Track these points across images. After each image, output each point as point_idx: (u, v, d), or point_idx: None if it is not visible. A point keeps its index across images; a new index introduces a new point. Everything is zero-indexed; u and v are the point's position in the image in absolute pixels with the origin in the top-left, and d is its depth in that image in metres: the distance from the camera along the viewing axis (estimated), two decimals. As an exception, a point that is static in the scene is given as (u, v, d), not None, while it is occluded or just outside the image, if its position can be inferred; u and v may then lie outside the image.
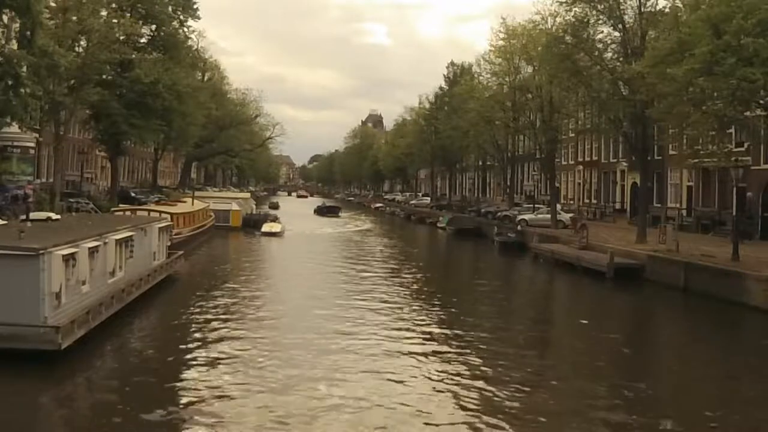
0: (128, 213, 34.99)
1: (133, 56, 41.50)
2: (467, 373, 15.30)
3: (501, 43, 53.73)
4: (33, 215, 23.20)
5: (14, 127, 33.53)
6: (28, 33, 26.12)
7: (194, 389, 13.64)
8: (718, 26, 24.55)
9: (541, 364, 16.97)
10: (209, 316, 20.52)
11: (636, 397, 14.13)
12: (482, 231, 53.14)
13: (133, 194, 50.57)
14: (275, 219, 55.20)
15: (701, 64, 24.58)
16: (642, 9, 34.47)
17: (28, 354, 14.01)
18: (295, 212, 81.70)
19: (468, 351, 17.33)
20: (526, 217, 48.90)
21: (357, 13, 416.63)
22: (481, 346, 17.93)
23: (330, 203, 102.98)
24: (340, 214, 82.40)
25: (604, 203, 56.37)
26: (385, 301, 24.25)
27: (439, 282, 32.38)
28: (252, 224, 53.18)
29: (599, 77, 35.37)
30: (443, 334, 19.45)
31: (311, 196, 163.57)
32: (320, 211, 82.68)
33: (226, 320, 20.02)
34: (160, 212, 34.98)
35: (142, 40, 46.18)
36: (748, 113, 27.53)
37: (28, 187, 35.42)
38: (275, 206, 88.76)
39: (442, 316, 22.16)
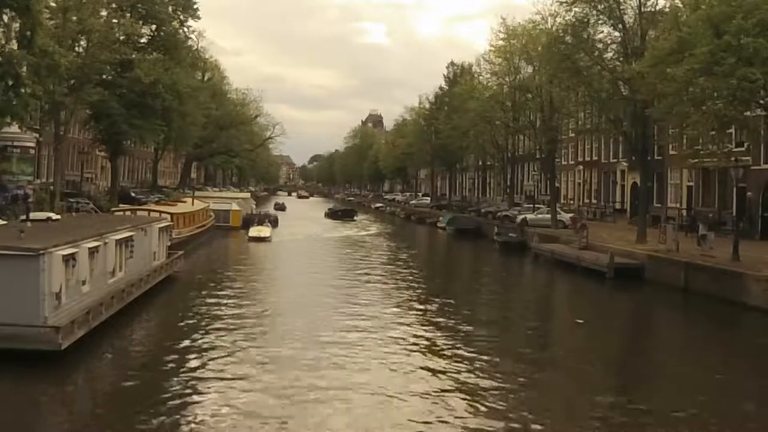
0: (128, 213, 34.97)
1: (133, 56, 41.44)
2: (465, 371, 15.31)
3: (501, 43, 53.75)
4: (33, 215, 23.22)
5: (14, 127, 33.50)
6: (28, 33, 26.09)
7: (194, 389, 13.64)
8: (718, 26, 24.55)
9: (539, 365, 16.95)
10: (209, 316, 20.52)
11: (635, 397, 14.14)
12: (482, 231, 53.15)
13: (133, 194, 50.50)
14: (263, 221, 51.10)
15: (701, 64, 24.59)
16: (642, 9, 34.47)
17: (28, 354, 14.02)
18: (304, 215, 77.94)
19: (467, 350, 17.33)
20: (527, 216, 48.87)
21: (355, 12, 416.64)
22: (481, 346, 17.93)
23: (343, 206, 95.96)
24: (355, 218, 74.80)
25: (604, 203, 56.36)
26: (386, 301, 24.28)
27: (439, 282, 32.37)
28: (254, 224, 52.19)
29: (599, 77, 35.36)
30: (442, 333, 19.46)
31: (311, 196, 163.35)
32: (333, 215, 75.69)
33: (226, 320, 20.01)
34: (160, 212, 34.97)
35: (142, 40, 46.12)
36: (748, 113, 27.54)
37: (28, 187, 35.40)
38: (281, 207, 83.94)
39: (441, 316, 22.16)
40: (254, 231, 46.64)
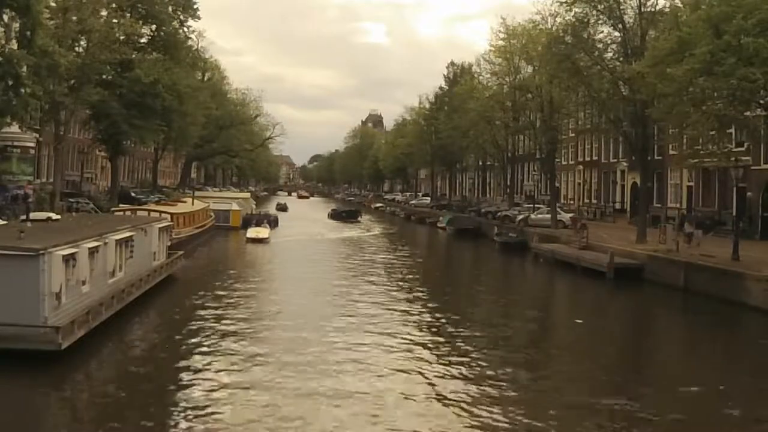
0: (128, 213, 34.99)
1: (133, 56, 41.45)
2: (465, 371, 15.33)
3: (501, 43, 53.84)
4: (33, 215, 23.22)
5: (14, 127, 33.53)
6: (28, 33, 26.13)
7: (194, 389, 13.64)
8: (718, 26, 24.56)
9: (539, 365, 16.98)
10: (209, 317, 20.51)
11: (634, 397, 14.12)
12: (482, 231, 53.14)
13: (133, 194, 50.50)
14: (262, 222, 50.37)
15: (701, 64, 24.60)
16: (642, 9, 34.48)
17: (28, 354, 14.02)
18: (306, 216, 76.80)
19: (467, 350, 17.35)
20: (530, 216, 48.88)
21: (355, 12, 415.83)
22: (481, 346, 17.96)
23: (346, 206, 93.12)
24: (360, 219, 72.56)
25: (604, 203, 56.38)
26: (387, 301, 24.27)
27: (440, 282, 32.37)
28: (252, 225, 51.86)
29: (599, 77, 35.36)
30: (442, 333, 19.48)
31: (312, 196, 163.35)
32: (337, 216, 73.40)
33: (225, 320, 20.01)
34: (160, 212, 34.99)
35: (142, 40, 46.10)
36: (748, 113, 27.56)
37: (27, 187, 35.39)
38: (283, 208, 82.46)
39: (442, 316, 22.14)
40: (252, 232, 45.72)
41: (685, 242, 30.94)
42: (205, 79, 71.05)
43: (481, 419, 12.43)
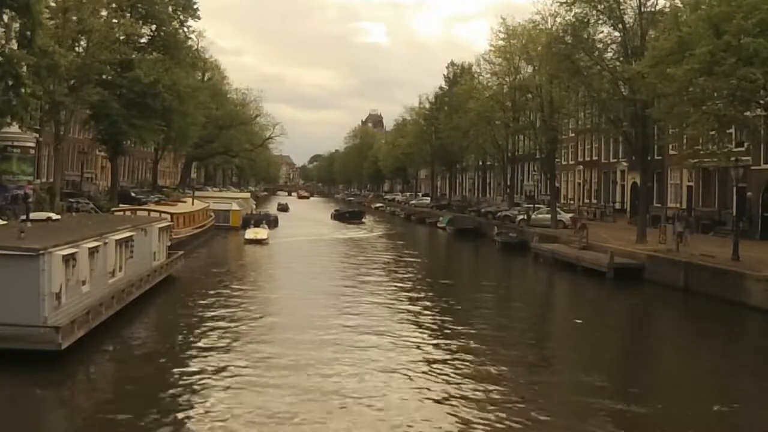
0: (128, 213, 34.99)
1: (133, 56, 41.48)
2: (464, 372, 15.33)
3: (501, 43, 53.78)
4: (33, 215, 23.21)
5: (14, 127, 33.53)
6: (28, 33, 26.15)
7: (194, 389, 13.64)
8: (718, 26, 24.57)
9: (538, 365, 16.97)
10: (209, 317, 20.51)
11: (634, 397, 14.13)
12: (482, 231, 53.14)
13: (133, 194, 50.47)
14: (260, 223, 49.54)
15: (701, 64, 24.60)
16: (642, 9, 34.48)
17: (28, 354, 14.02)
18: (307, 216, 76.39)
19: (467, 350, 17.34)
20: (530, 216, 48.85)
21: (355, 12, 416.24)
22: (481, 346, 17.96)
23: (349, 207, 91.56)
24: (363, 219, 72.28)
25: (604, 203, 56.40)
26: (388, 302, 24.27)
27: (440, 283, 32.33)
28: (252, 225, 51.14)
29: (599, 77, 35.36)
30: (443, 333, 19.47)
31: (312, 196, 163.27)
32: (340, 217, 72.71)
33: (226, 320, 20.02)
34: (160, 212, 34.99)
35: (142, 40, 46.15)
36: (748, 113, 27.56)
37: (27, 187, 35.39)
38: (284, 208, 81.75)
39: (442, 316, 22.18)
40: (250, 233, 44.59)
41: (678, 241, 31.08)
42: (205, 79, 71.03)
43: (480, 422, 12.42)
